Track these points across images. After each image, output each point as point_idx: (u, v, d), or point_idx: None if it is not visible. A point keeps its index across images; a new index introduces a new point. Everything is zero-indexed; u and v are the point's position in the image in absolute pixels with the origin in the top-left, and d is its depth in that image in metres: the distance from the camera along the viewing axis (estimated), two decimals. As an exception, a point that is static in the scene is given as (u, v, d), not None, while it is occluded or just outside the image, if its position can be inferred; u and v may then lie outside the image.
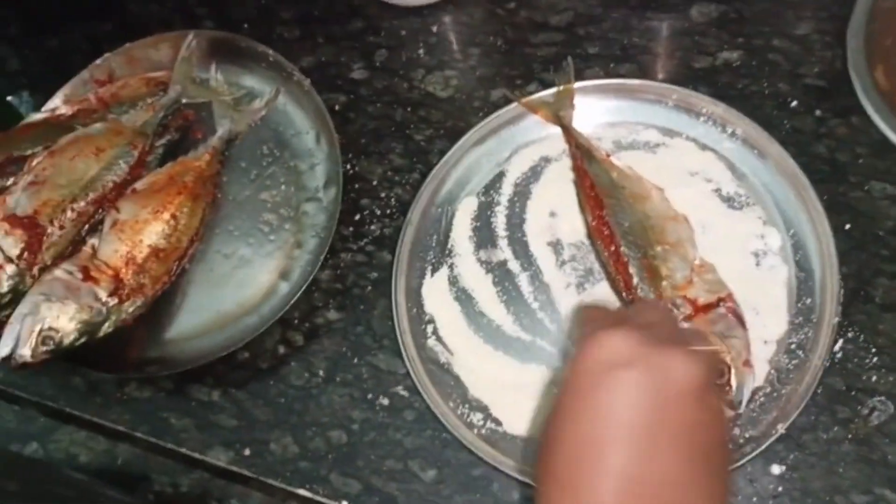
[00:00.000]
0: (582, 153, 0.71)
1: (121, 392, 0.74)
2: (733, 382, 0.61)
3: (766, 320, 0.66)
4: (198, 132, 0.81)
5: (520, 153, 0.75)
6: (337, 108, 0.80)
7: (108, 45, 0.84)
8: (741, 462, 0.61)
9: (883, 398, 0.63)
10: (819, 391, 0.63)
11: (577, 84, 0.74)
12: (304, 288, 0.71)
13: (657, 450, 0.43)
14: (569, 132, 0.73)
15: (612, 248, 0.67)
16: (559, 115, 0.73)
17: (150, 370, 0.72)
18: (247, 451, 0.70)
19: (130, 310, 0.70)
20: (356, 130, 0.79)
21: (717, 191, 0.70)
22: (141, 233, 0.72)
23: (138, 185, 0.75)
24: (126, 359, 0.73)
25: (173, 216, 0.73)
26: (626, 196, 0.68)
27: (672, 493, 0.43)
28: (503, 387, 0.67)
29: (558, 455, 0.46)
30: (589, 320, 0.49)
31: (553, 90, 0.74)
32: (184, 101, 0.81)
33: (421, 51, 0.81)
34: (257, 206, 0.77)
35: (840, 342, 0.65)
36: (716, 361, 0.58)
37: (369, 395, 0.70)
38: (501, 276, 0.71)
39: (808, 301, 0.66)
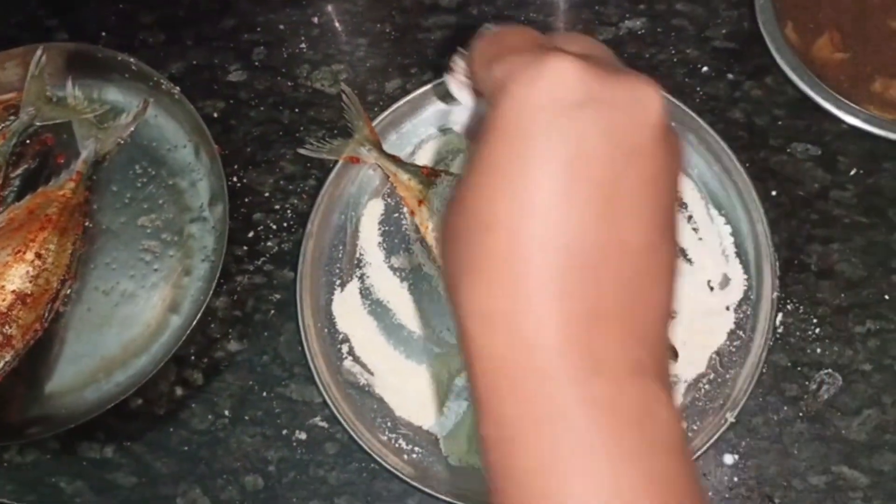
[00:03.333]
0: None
1: (-1, 460, 0.65)
2: None
3: (702, 302, 0.62)
4: (60, 157, 0.71)
5: (424, 147, 0.69)
6: (216, 115, 0.72)
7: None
8: (693, 457, 0.57)
9: (830, 370, 0.60)
10: (764, 370, 0.60)
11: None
12: (197, 319, 0.63)
13: (617, 212, 0.32)
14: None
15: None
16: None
17: (32, 432, 0.63)
18: (151, 511, 0.62)
19: (-2, 367, 0.62)
20: (240, 139, 0.71)
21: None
22: (2, 278, 0.63)
23: (-7, 223, 0.66)
24: (3, 423, 0.64)
25: (38, 255, 0.64)
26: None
27: (631, 263, 0.32)
28: (432, 404, 0.62)
29: (472, 236, 0.32)
30: (504, 51, 0.34)
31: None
32: (39, 123, 0.71)
33: (303, 45, 0.74)
34: (135, 234, 0.69)
35: (780, 316, 0.62)
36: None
37: (284, 431, 0.63)
38: (418, 282, 0.65)
39: (743, 276, 0.62)
